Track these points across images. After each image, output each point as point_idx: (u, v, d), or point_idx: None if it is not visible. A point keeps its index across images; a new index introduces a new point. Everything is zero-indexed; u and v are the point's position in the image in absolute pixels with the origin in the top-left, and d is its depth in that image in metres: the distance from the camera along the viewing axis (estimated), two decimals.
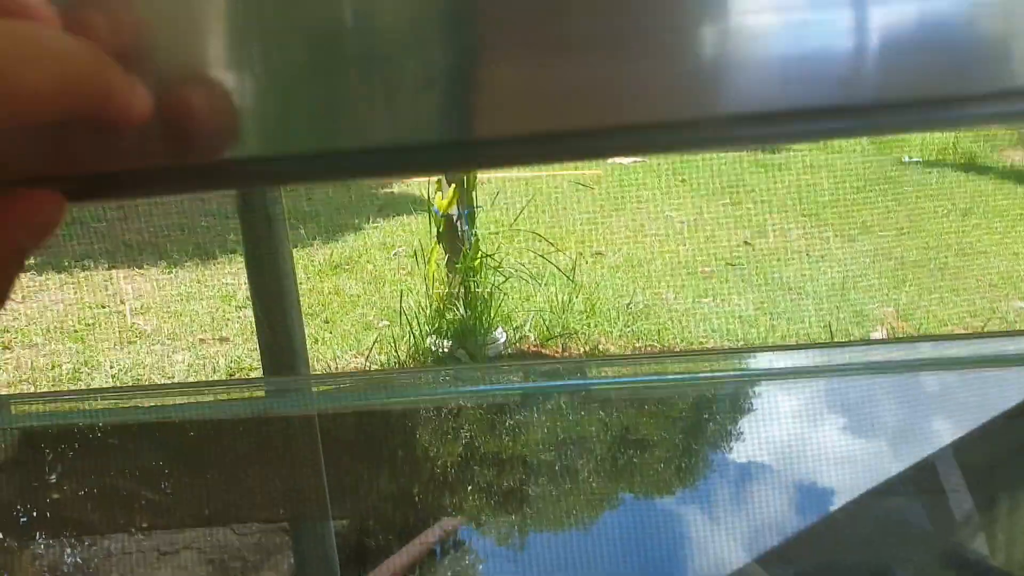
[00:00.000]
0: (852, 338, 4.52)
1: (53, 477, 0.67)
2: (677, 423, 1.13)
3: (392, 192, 8.09)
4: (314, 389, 0.72)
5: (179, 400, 0.70)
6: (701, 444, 1.04)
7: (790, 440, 0.84)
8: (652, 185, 8.54)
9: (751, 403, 1.04)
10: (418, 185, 8.59)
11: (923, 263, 6.15)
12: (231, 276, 4.73)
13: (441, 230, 3.36)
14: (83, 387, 3.15)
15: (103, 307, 4.13)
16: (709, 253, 6.12)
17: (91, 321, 3.89)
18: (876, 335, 4.58)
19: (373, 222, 6.33)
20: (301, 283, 4.56)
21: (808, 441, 0.83)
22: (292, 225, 5.38)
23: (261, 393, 0.70)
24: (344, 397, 0.70)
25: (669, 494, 0.94)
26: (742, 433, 1.01)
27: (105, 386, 2.50)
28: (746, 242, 6.50)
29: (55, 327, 3.80)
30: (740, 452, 0.99)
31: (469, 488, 0.89)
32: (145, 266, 4.89)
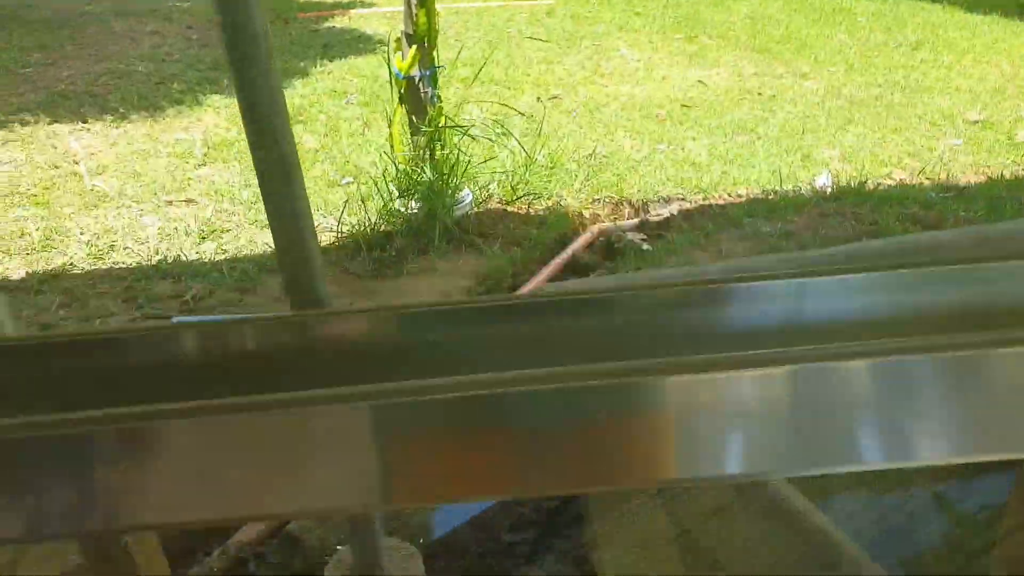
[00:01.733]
0: (798, 183, 4.72)
1: None
2: None
3: (334, 28, 7.72)
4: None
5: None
6: None
7: None
8: (607, 19, 8.31)
9: None
10: (363, 20, 8.19)
11: (869, 102, 6.29)
12: (183, 131, 4.61)
13: (403, 91, 3.33)
14: (63, 268, 3.15)
15: (56, 167, 4.04)
16: (664, 94, 6.13)
17: (48, 184, 3.82)
18: (820, 179, 4.79)
19: (320, 65, 6.11)
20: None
21: None
22: None
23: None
24: None
25: None
26: None
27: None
28: (700, 81, 6.51)
29: (12, 191, 3.73)
30: None
31: None
32: (89, 120, 4.72)
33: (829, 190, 4.61)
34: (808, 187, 4.74)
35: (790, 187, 4.66)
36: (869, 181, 4.81)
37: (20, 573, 1.31)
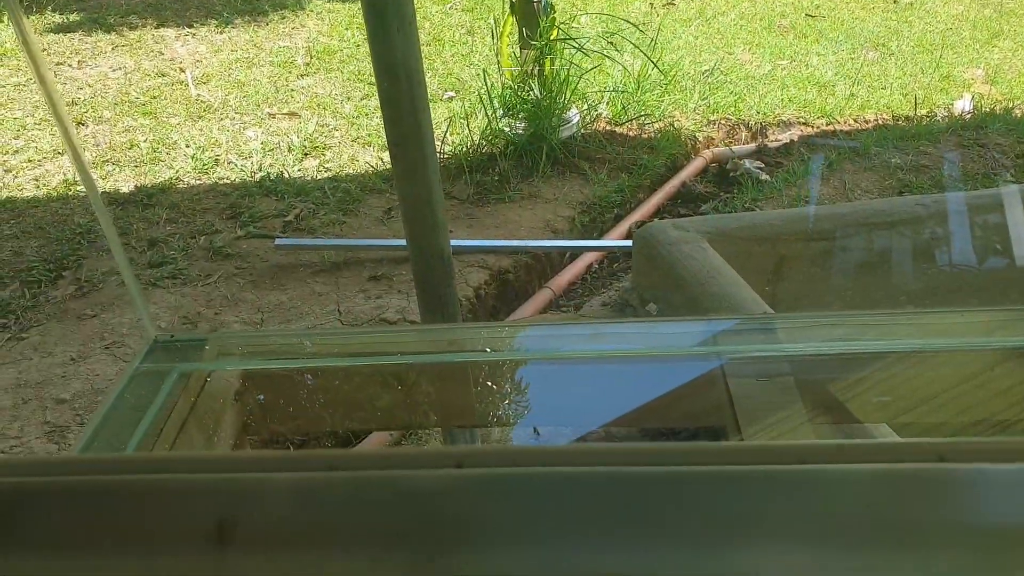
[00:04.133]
0: (934, 108, 4.29)
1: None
2: None
3: None
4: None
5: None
6: None
7: None
8: None
9: None
10: None
11: (1023, 12, 5.63)
12: (286, 38, 4.52)
13: (515, 1, 3.11)
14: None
15: (163, 75, 4.03)
16: (787, 1, 5.64)
17: (155, 93, 3.82)
18: (960, 104, 4.34)
19: None
20: (352, 44, 4.36)
21: None
22: None
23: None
24: None
25: None
26: None
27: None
28: None
29: (121, 99, 3.75)
30: None
31: None
32: (195, 25, 4.68)
33: (969, 116, 4.17)
34: (946, 112, 4.30)
35: (925, 112, 4.24)
36: (1016, 107, 4.33)
37: None
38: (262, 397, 0.69)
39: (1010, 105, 4.29)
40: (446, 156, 3.23)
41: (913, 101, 4.27)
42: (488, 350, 0.68)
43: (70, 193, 2.98)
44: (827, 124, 4.08)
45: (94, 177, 3.09)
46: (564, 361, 0.69)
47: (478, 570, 0.38)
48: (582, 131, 3.38)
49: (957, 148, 3.72)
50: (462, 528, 0.39)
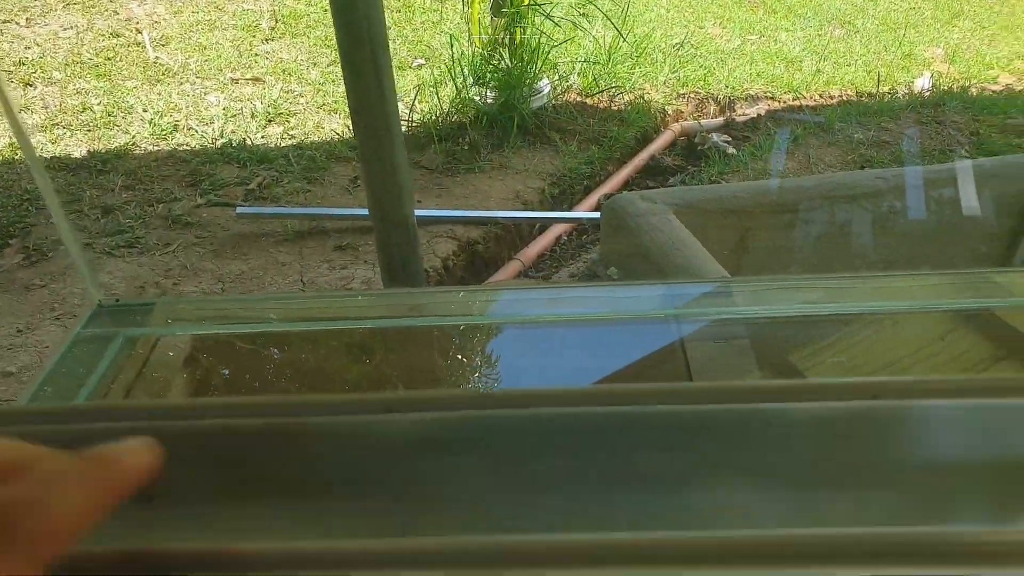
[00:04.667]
0: (896, 85, 4.33)
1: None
2: None
3: None
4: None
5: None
6: None
7: None
8: None
9: None
10: None
11: None
12: (251, 1, 4.39)
13: None
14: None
15: (117, 35, 3.90)
16: None
17: (110, 54, 3.70)
18: (920, 81, 4.39)
19: None
20: (319, 8, 4.25)
21: None
22: None
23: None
24: None
25: None
26: None
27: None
28: None
29: (72, 60, 3.62)
30: None
31: None
32: None
33: (928, 94, 4.22)
34: (906, 90, 4.35)
35: (887, 89, 4.28)
36: (973, 85, 4.40)
37: None
38: (213, 363, 0.67)
39: (967, 84, 4.35)
40: (415, 125, 3.18)
41: (876, 78, 4.31)
42: (447, 315, 0.67)
43: (17, 157, 2.87)
44: (794, 99, 4.10)
45: (42, 140, 2.99)
46: (522, 325, 0.68)
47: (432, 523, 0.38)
48: (553, 102, 3.35)
49: (916, 125, 3.77)
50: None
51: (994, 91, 4.42)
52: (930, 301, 0.73)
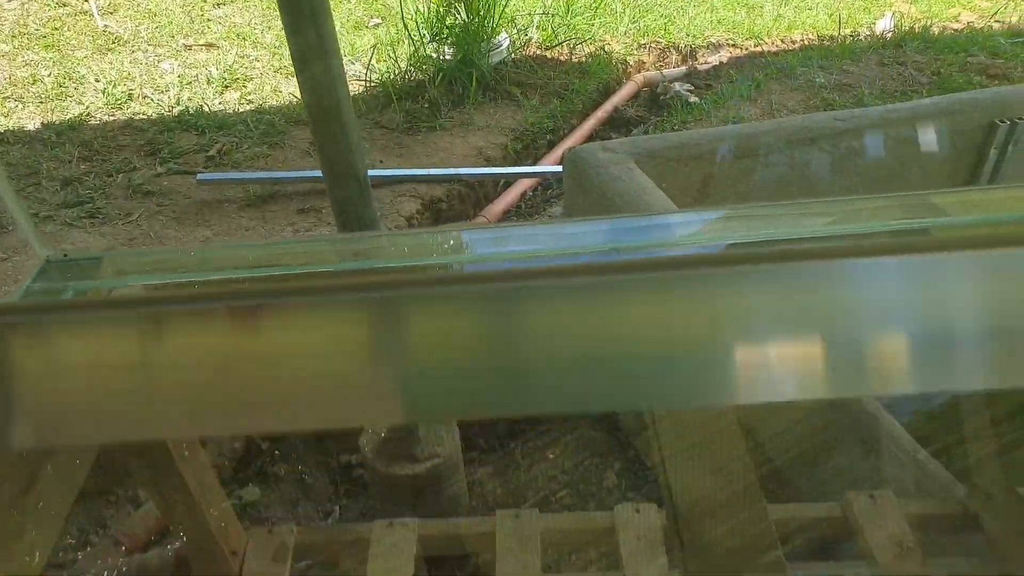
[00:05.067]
0: (857, 28, 4.34)
1: None
2: None
3: None
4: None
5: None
6: None
7: None
8: None
9: None
10: None
11: None
12: None
13: None
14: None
15: (64, 5, 3.79)
16: None
17: (57, 24, 3.60)
18: (882, 23, 4.40)
19: None
20: None
21: None
22: None
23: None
24: None
25: None
26: None
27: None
28: None
29: (19, 31, 3.52)
30: None
31: None
32: None
33: (890, 35, 4.24)
34: (868, 31, 4.36)
35: (848, 31, 4.29)
36: (934, 24, 4.42)
37: None
38: None
39: (928, 24, 4.37)
40: (373, 85, 3.14)
41: (838, 20, 4.32)
42: (392, 259, 0.68)
43: None
44: (755, 45, 4.09)
45: None
46: (472, 264, 0.69)
47: None
48: (512, 56, 3.32)
49: (878, 66, 3.80)
50: None
51: (956, 29, 4.45)
52: (871, 223, 0.75)
